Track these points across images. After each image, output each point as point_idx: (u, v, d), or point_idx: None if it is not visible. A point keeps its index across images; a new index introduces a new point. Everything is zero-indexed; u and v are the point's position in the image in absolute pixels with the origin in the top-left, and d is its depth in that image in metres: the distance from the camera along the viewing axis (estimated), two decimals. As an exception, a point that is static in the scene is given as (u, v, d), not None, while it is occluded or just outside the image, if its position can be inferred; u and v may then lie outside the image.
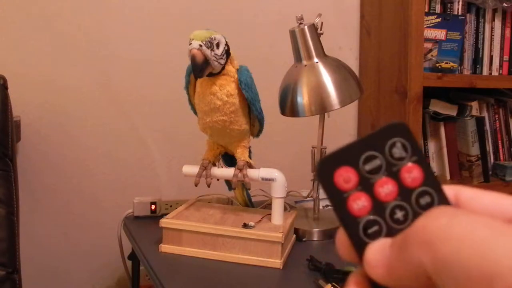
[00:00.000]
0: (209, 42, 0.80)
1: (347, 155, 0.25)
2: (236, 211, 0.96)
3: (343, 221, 0.25)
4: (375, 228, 0.25)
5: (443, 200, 0.25)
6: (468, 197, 0.25)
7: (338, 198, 0.25)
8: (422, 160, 0.25)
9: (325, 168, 0.25)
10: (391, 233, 0.24)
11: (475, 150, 1.52)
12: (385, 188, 0.25)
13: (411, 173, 0.25)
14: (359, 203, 0.25)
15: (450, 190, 0.25)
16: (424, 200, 0.25)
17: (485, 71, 1.58)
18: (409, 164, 0.25)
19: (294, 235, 0.96)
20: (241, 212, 0.95)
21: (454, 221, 0.21)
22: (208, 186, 0.92)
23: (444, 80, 1.44)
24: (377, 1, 1.52)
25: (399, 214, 0.25)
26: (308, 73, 0.94)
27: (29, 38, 1.28)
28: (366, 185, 0.25)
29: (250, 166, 0.93)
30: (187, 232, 0.87)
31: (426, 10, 1.45)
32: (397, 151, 0.25)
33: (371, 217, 0.25)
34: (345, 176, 0.25)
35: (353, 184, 0.25)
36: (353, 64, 1.61)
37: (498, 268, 0.18)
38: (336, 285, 0.73)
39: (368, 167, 0.25)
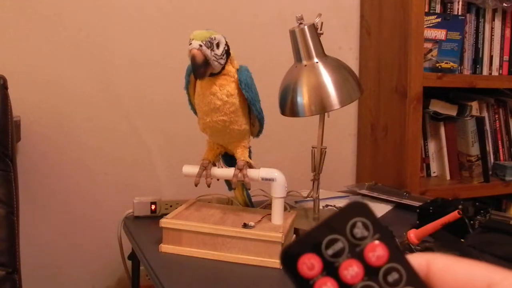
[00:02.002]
0: (209, 42, 0.79)
1: (308, 242, 0.25)
2: (236, 211, 0.96)
3: None
4: None
5: (412, 275, 0.25)
6: (440, 268, 0.25)
7: (304, 287, 0.25)
8: (386, 237, 0.25)
9: (288, 257, 0.25)
10: None
11: (475, 150, 1.53)
12: (350, 270, 0.25)
13: (375, 251, 0.25)
14: None
15: (422, 259, 0.25)
16: (392, 277, 0.24)
17: (485, 71, 1.58)
18: (372, 242, 0.25)
19: (294, 235, 0.96)
20: (241, 212, 0.95)
21: None
22: (208, 186, 0.92)
23: (444, 80, 1.44)
24: (377, 1, 1.52)
25: None
26: (308, 73, 0.94)
27: (29, 38, 1.28)
28: (330, 269, 0.25)
29: (250, 166, 0.93)
30: (187, 232, 0.87)
31: (426, 10, 1.45)
32: (359, 231, 0.25)
33: None
34: (308, 263, 0.25)
35: (318, 270, 0.25)
36: (353, 64, 1.61)
37: None
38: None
39: (330, 251, 0.25)
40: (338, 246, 0.25)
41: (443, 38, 1.47)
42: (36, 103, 1.31)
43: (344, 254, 0.25)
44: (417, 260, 0.25)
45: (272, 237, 0.83)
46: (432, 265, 0.25)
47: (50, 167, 1.33)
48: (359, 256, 0.25)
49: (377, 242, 0.25)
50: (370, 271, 0.25)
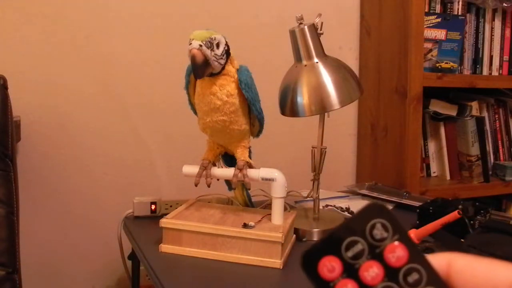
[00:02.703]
0: (209, 42, 0.79)
1: (328, 244, 0.26)
2: (236, 211, 0.96)
3: None
4: None
5: (432, 275, 0.25)
6: (461, 267, 0.25)
7: None
8: (405, 238, 0.25)
9: (308, 260, 0.26)
10: None
11: (475, 150, 1.53)
12: (370, 271, 0.25)
13: (395, 252, 0.25)
14: None
15: (443, 259, 0.25)
16: (412, 277, 0.25)
17: (485, 71, 1.58)
18: (392, 243, 0.25)
19: (294, 235, 0.96)
20: (241, 212, 0.95)
21: None
22: (208, 186, 0.92)
23: (444, 80, 1.44)
24: (377, 1, 1.52)
25: None
26: (308, 73, 0.94)
27: (29, 38, 1.28)
28: (351, 271, 0.25)
29: (250, 166, 0.93)
30: (187, 232, 0.87)
31: (426, 10, 1.45)
32: (378, 232, 0.26)
33: None
34: (329, 266, 0.25)
35: (338, 273, 0.25)
36: (353, 64, 1.61)
37: None
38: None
39: (350, 253, 0.25)
40: (358, 248, 0.25)
41: (443, 38, 1.47)
42: (36, 103, 1.31)
43: (364, 255, 0.25)
44: (437, 260, 0.25)
45: (272, 237, 0.83)
46: (453, 264, 0.25)
47: (50, 167, 1.33)
48: (379, 258, 0.25)
49: (396, 243, 0.25)
50: (390, 272, 0.25)
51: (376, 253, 0.25)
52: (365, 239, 0.26)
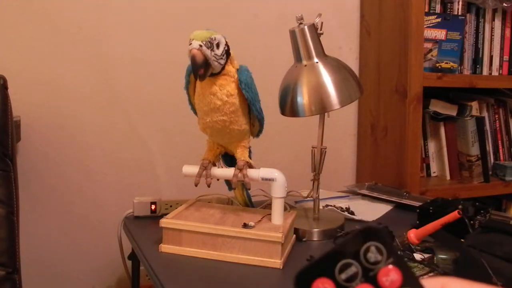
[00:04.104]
0: (209, 42, 0.79)
1: (322, 266, 0.26)
2: (236, 211, 0.96)
3: None
4: None
5: None
6: None
7: None
8: (400, 261, 0.25)
9: (301, 281, 0.26)
10: None
11: (475, 150, 1.53)
12: None
13: (389, 276, 0.25)
14: None
15: (436, 284, 0.25)
16: None
17: (485, 71, 1.58)
18: (386, 267, 0.25)
19: (294, 235, 0.96)
20: (241, 212, 0.95)
21: None
22: (208, 186, 0.92)
23: (444, 80, 1.44)
24: (377, 1, 1.52)
25: None
26: (308, 73, 0.94)
27: (29, 38, 1.28)
28: None
29: (250, 166, 0.93)
30: (187, 232, 0.87)
31: (426, 10, 1.45)
32: (372, 256, 0.25)
33: None
34: None
35: None
36: (353, 64, 1.61)
37: None
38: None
39: (344, 275, 0.25)
40: (351, 270, 0.25)
41: (443, 38, 1.47)
42: (36, 103, 1.31)
43: (357, 278, 0.25)
44: (431, 284, 0.25)
45: (272, 237, 0.83)
46: None
47: (50, 167, 1.33)
48: (373, 281, 0.25)
49: (390, 266, 0.25)
50: None
51: (370, 276, 0.25)
52: (359, 261, 0.25)
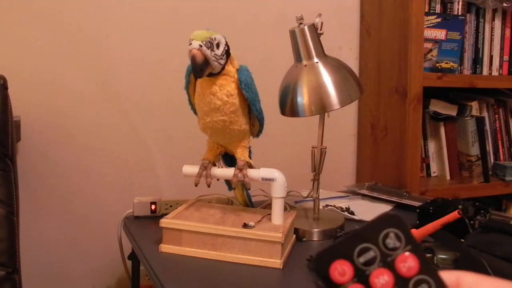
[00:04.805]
0: (209, 42, 0.80)
1: (342, 249, 0.26)
2: (236, 211, 0.96)
3: None
4: None
5: (441, 287, 0.25)
6: (469, 285, 0.25)
7: None
8: (417, 249, 0.26)
9: (321, 262, 0.26)
10: None
11: (475, 150, 1.53)
12: (381, 278, 0.25)
13: (406, 262, 0.26)
14: None
15: (451, 275, 0.26)
16: None
17: (485, 71, 1.58)
18: (404, 253, 0.26)
19: (294, 235, 0.96)
20: (241, 212, 0.95)
21: None
22: (208, 186, 0.92)
23: (444, 80, 1.44)
24: (377, 1, 1.52)
25: None
26: (308, 73, 0.94)
27: (29, 38, 1.28)
28: (361, 277, 0.26)
29: (250, 166, 0.93)
30: (187, 232, 0.87)
31: (426, 10, 1.45)
32: (391, 242, 0.26)
33: None
34: (340, 269, 0.26)
35: (349, 277, 0.26)
36: (353, 64, 1.61)
37: None
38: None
39: (362, 259, 0.26)
40: (370, 254, 0.26)
41: (443, 38, 1.47)
42: (36, 103, 1.31)
43: (375, 263, 0.26)
44: (446, 275, 0.26)
45: (272, 237, 0.83)
46: (461, 281, 0.26)
47: (50, 167, 1.33)
48: (390, 266, 0.26)
49: (408, 253, 0.26)
50: (400, 281, 0.25)
51: (388, 262, 0.26)
52: (378, 246, 0.26)
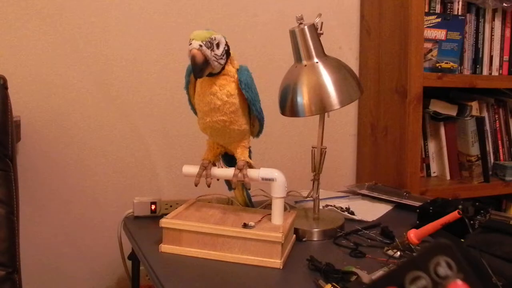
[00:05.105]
0: (209, 42, 0.80)
1: (394, 277, 0.26)
2: (236, 211, 0.96)
3: None
4: None
5: None
6: None
7: None
8: (469, 277, 0.26)
9: None
10: None
11: (475, 150, 1.53)
12: None
13: None
14: None
15: None
16: None
17: (485, 71, 1.58)
18: (455, 281, 0.26)
19: (294, 235, 0.96)
20: (241, 212, 0.95)
21: None
22: (208, 186, 0.92)
23: (444, 80, 1.44)
24: (377, 1, 1.52)
25: None
26: (308, 73, 0.94)
27: (29, 38, 1.28)
28: None
29: (250, 166, 0.93)
30: (187, 232, 0.87)
31: (426, 10, 1.45)
32: (442, 270, 0.26)
33: None
34: None
35: None
36: (353, 64, 1.61)
37: None
38: (336, 285, 0.73)
39: (414, 287, 0.26)
40: (421, 283, 0.26)
41: (443, 38, 1.47)
42: (36, 103, 1.31)
43: None
44: None
45: (272, 237, 0.83)
46: None
47: (50, 167, 1.33)
48: None
49: (459, 282, 0.26)
50: None
51: None
52: (429, 275, 0.26)
